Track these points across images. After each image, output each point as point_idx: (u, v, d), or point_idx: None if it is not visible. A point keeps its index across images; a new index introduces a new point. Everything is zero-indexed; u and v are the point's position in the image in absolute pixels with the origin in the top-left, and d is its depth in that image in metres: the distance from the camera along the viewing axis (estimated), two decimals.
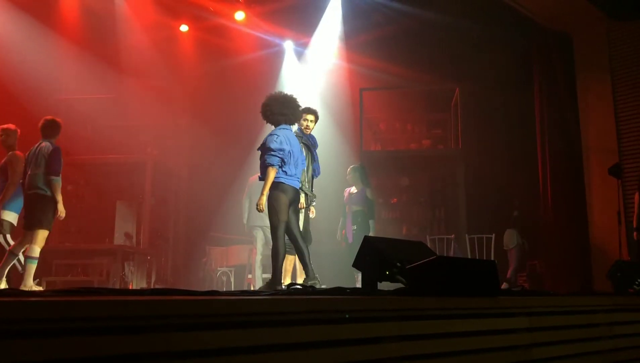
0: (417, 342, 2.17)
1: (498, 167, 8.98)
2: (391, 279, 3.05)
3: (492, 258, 7.61)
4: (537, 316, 2.68)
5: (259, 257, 6.99)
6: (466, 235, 8.28)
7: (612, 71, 8.38)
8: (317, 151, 5.75)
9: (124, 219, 8.54)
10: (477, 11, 8.60)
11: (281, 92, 5.13)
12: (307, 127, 5.71)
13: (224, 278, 8.31)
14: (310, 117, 5.72)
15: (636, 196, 6.95)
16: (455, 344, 2.30)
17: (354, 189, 6.99)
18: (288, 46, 10.30)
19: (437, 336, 2.25)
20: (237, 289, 8.11)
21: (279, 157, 4.80)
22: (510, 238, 8.26)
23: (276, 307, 1.86)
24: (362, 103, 10.00)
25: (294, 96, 5.09)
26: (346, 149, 9.48)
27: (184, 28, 9.70)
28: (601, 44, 8.47)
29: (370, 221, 6.83)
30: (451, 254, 8.02)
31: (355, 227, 6.79)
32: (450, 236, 8.15)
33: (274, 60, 10.24)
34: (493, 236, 7.85)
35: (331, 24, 9.70)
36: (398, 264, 2.99)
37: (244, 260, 8.22)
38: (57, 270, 8.12)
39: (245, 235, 8.33)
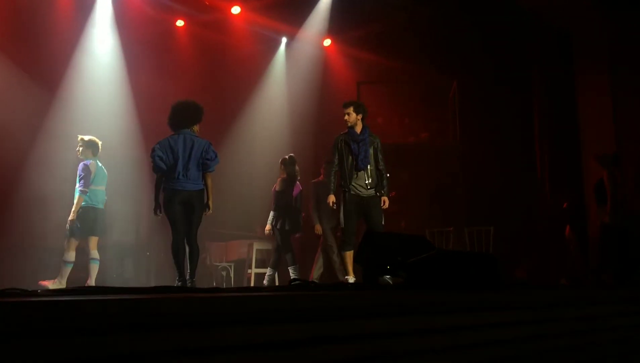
0: (417, 337, 2.18)
1: (496, 160, 8.99)
2: (392, 273, 3.06)
3: (491, 251, 7.61)
4: (538, 309, 2.69)
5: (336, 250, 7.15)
6: (465, 228, 8.28)
7: (611, 64, 8.38)
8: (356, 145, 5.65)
9: (122, 216, 8.52)
10: (476, 4, 8.59)
11: (184, 100, 5.43)
12: (345, 121, 5.71)
13: (224, 273, 8.30)
14: (347, 110, 5.72)
15: (606, 176, 6.89)
16: (457, 338, 2.31)
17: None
18: (284, 39, 10.26)
19: (438, 330, 2.26)
20: (236, 284, 8.12)
21: (153, 163, 5.18)
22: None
23: (276, 304, 1.86)
24: (359, 97, 9.98)
25: (191, 102, 5.40)
26: None
27: (179, 23, 9.65)
28: (600, 38, 8.47)
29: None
30: (450, 247, 8.02)
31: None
32: (449, 229, 8.14)
33: (271, 54, 10.20)
34: (492, 228, 7.85)
35: (328, 18, 9.66)
36: (399, 258, 3.00)
37: (243, 255, 8.21)
38: (55, 267, 8.10)
39: (243, 230, 8.33)
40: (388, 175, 5.85)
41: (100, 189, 6.25)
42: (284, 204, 6.82)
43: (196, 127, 5.38)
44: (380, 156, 5.74)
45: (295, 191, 6.95)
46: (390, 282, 4.73)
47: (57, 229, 6.69)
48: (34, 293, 2.38)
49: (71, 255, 6.08)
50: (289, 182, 6.90)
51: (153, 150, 5.21)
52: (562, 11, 8.38)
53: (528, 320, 2.57)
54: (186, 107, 5.36)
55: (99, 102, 8.42)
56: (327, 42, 10.05)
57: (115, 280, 7.76)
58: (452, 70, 9.63)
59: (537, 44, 9.09)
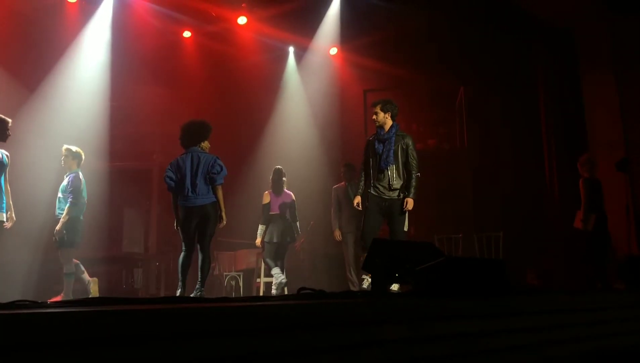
0: (427, 344, 2.17)
1: (504, 164, 8.97)
2: (401, 281, 3.05)
3: (501, 257, 7.57)
4: (546, 314, 2.67)
5: (351, 259, 7.20)
6: (474, 234, 8.24)
7: (616, 64, 8.34)
8: (382, 147, 5.50)
9: (131, 226, 8.58)
10: (480, 10, 8.59)
11: (191, 119, 5.68)
12: (374, 120, 5.62)
13: (233, 283, 8.31)
14: (374, 109, 5.60)
15: (580, 182, 6.86)
16: (465, 345, 2.30)
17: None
18: (291, 49, 10.31)
19: (447, 337, 2.25)
20: (245, 294, 8.12)
21: (166, 183, 5.40)
22: None
23: (286, 312, 1.86)
24: (366, 104, 9.99)
25: (198, 121, 5.66)
26: (351, 151, 9.47)
27: (186, 34, 9.72)
28: (604, 38, 8.44)
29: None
30: (459, 254, 7.98)
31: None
32: (458, 236, 8.11)
33: (278, 64, 10.25)
34: (501, 234, 7.81)
35: (334, 27, 9.69)
36: (407, 265, 2.99)
37: (251, 264, 8.23)
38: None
39: (252, 240, 8.36)
40: (419, 175, 5.56)
41: (84, 200, 6.35)
42: (271, 216, 6.92)
43: (205, 144, 5.58)
44: (411, 156, 5.50)
45: (285, 202, 6.99)
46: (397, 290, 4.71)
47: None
48: (44, 305, 2.39)
49: (71, 266, 6.10)
50: (274, 194, 7.00)
51: (166, 170, 5.45)
52: (565, 10, 8.35)
53: (535, 326, 2.56)
54: (192, 126, 5.60)
55: (101, 113, 8.47)
56: (334, 50, 10.08)
57: (124, 291, 7.79)
58: (458, 75, 9.62)
59: (541, 46, 9.07)
